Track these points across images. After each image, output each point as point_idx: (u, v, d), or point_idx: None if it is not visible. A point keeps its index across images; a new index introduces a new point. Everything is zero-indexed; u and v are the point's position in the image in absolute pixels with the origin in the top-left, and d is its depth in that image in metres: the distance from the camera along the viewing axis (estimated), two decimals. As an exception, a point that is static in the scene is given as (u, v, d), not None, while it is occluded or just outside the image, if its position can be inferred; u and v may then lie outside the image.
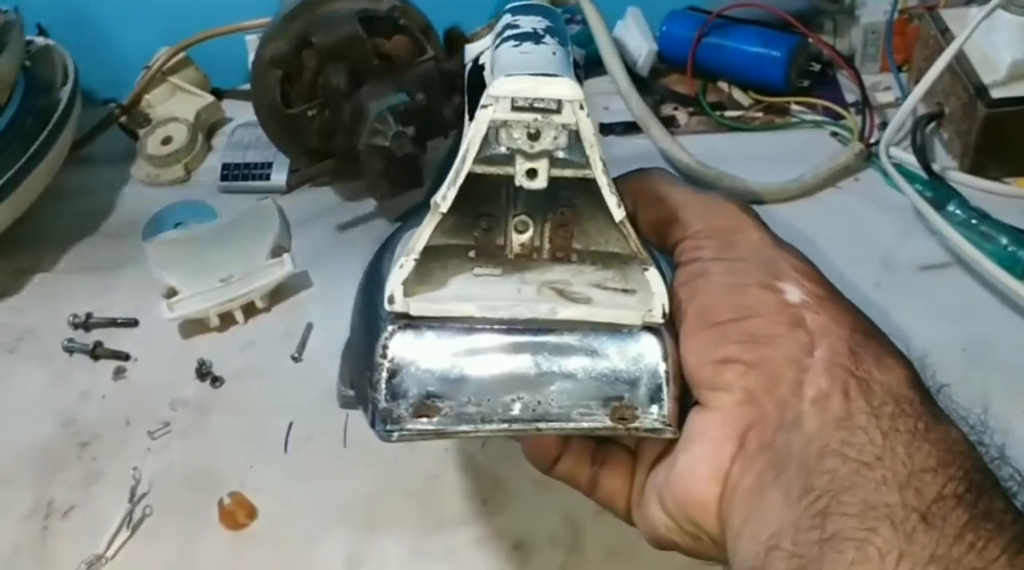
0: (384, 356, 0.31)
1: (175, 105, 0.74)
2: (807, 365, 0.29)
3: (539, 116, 0.29)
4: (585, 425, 0.31)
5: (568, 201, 0.32)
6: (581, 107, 0.29)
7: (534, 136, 0.29)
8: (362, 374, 0.32)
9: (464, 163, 0.30)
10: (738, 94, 0.70)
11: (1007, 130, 0.59)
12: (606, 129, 0.68)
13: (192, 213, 0.68)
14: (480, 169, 0.30)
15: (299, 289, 0.61)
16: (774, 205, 0.61)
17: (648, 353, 0.31)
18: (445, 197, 0.30)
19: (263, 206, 0.65)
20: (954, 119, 0.62)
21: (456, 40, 0.63)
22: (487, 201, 0.32)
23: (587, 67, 0.67)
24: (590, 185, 0.30)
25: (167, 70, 0.74)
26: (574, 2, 0.70)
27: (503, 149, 0.30)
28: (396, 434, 0.31)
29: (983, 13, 0.58)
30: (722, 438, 0.30)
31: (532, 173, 0.30)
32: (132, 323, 0.60)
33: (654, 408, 0.31)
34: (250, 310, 0.59)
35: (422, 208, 0.42)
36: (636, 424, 0.31)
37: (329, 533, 0.47)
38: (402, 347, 0.31)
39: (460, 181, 0.30)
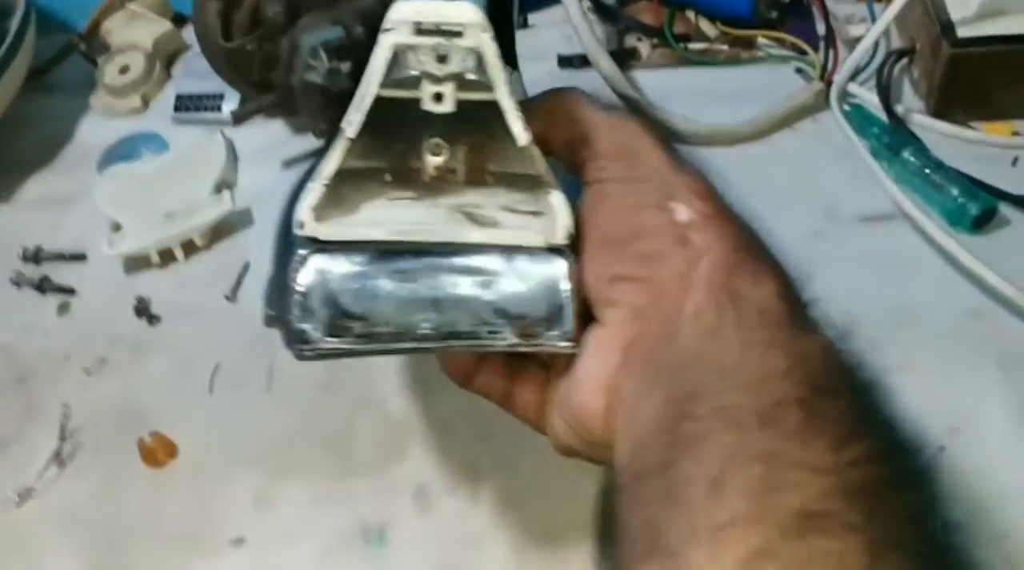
0: (295, 279, 0.32)
1: (133, 32, 0.73)
2: (690, 280, 0.31)
3: (443, 40, 0.29)
4: (493, 344, 0.33)
5: (482, 124, 0.32)
6: (483, 31, 0.29)
7: (443, 58, 0.30)
8: (278, 294, 0.34)
9: (368, 87, 0.30)
10: (705, 25, 0.66)
11: (974, 72, 0.55)
12: (564, 61, 0.66)
13: (145, 145, 0.68)
14: (388, 93, 0.31)
15: (241, 227, 0.61)
16: (723, 147, 0.59)
17: (551, 273, 0.33)
18: (351, 122, 0.31)
19: (211, 139, 0.65)
20: (923, 57, 0.59)
21: (400, -31, 0.61)
22: (401, 123, 0.32)
23: (547, -6, 0.64)
24: (500, 108, 0.31)
25: (125, -4, 0.73)
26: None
27: (412, 72, 0.30)
28: (309, 352, 0.32)
29: (956, -59, 0.53)
30: (610, 351, 0.32)
31: (439, 97, 0.31)
32: (80, 257, 0.61)
33: (557, 326, 0.33)
34: (190, 247, 0.59)
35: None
36: (540, 341, 0.33)
37: (242, 475, 0.48)
38: (312, 270, 0.32)
39: (366, 106, 0.31)
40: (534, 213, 0.34)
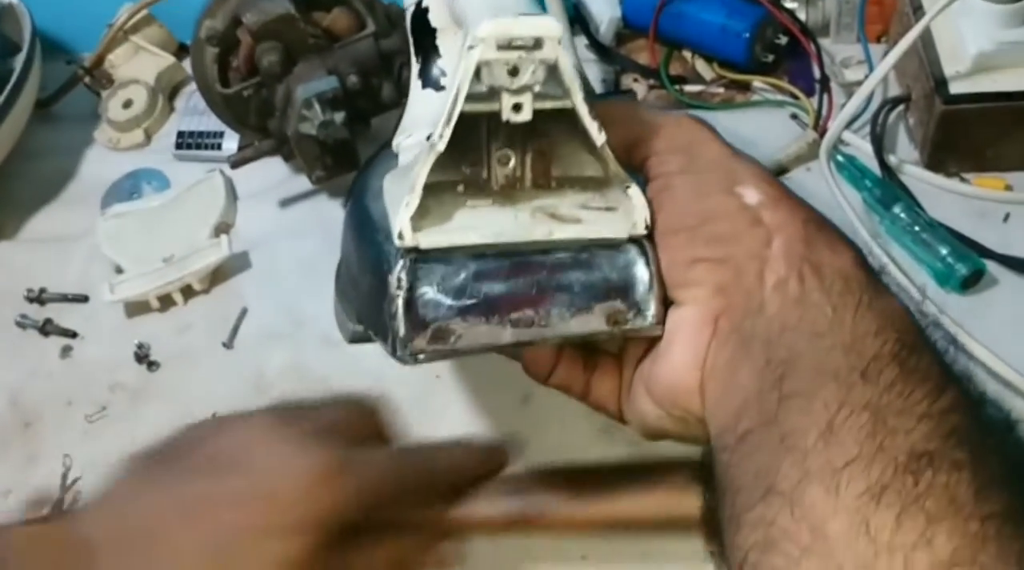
0: (400, 287, 0.34)
1: (137, 66, 0.74)
2: (767, 256, 0.32)
3: (522, 53, 0.31)
4: (585, 331, 0.35)
5: (544, 131, 0.34)
6: (560, 42, 0.31)
7: (513, 72, 0.31)
8: (373, 307, 0.35)
9: (456, 103, 0.32)
10: (702, 66, 0.66)
11: (966, 127, 0.55)
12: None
13: (147, 181, 0.69)
14: (467, 107, 0.32)
15: (239, 270, 0.62)
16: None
17: (635, 262, 0.35)
18: (442, 135, 0.33)
19: (210, 180, 0.66)
20: (918, 108, 0.58)
21: (395, 16, 0.61)
22: (469, 137, 0.34)
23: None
24: (566, 115, 0.33)
25: (129, 29, 0.74)
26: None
27: (484, 87, 0.32)
28: (419, 356, 0.34)
29: (953, -6, 0.53)
30: (699, 327, 0.33)
31: (518, 107, 0.32)
32: (82, 299, 0.62)
33: (644, 309, 0.35)
34: (188, 292, 0.61)
35: (380, 154, 0.44)
36: (629, 325, 0.35)
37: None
38: (415, 278, 0.34)
39: (454, 120, 0.32)
40: (608, 208, 0.36)
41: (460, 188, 0.35)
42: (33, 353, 0.60)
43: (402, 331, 0.33)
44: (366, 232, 0.37)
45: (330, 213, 0.64)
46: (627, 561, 0.46)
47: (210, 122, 0.69)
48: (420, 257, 0.34)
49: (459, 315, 0.34)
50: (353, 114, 0.59)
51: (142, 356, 0.58)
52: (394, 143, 0.44)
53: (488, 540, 0.46)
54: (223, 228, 0.63)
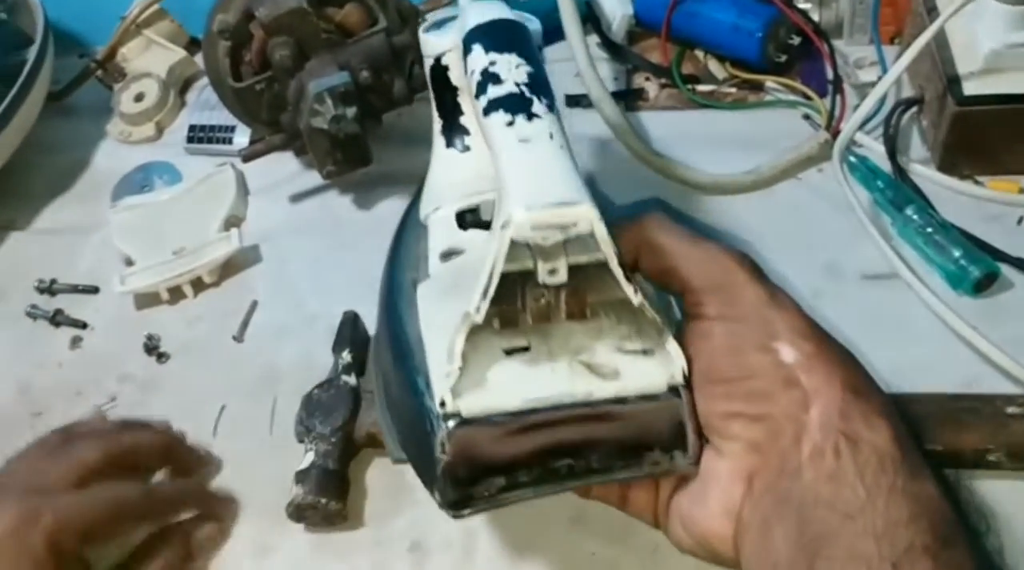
0: (444, 452, 0.34)
1: (149, 60, 0.74)
2: (803, 422, 0.33)
3: (556, 232, 0.32)
4: (624, 475, 0.36)
5: (579, 270, 0.34)
6: (597, 221, 0.32)
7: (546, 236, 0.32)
8: (417, 453, 0.37)
9: (492, 280, 0.33)
10: (714, 65, 0.66)
11: (979, 129, 0.55)
12: (571, 100, 0.66)
13: (158, 175, 0.69)
14: (505, 269, 0.33)
15: (249, 264, 0.62)
16: (725, 197, 0.59)
17: (673, 412, 0.35)
18: (479, 309, 0.33)
19: (221, 173, 0.66)
20: (931, 109, 0.58)
21: (407, 12, 0.61)
22: (505, 281, 0.34)
23: (554, 31, 0.64)
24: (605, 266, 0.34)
25: (141, 23, 0.74)
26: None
27: (519, 243, 0.32)
28: (465, 511, 0.35)
29: (967, -4, 0.53)
30: (733, 480, 0.35)
31: (553, 271, 0.33)
32: (93, 290, 0.62)
33: (680, 453, 0.36)
34: (199, 285, 0.61)
35: (408, 222, 0.45)
36: (667, 468, 0.36)
37: (243, 521, 0.49)
38: (458, 442, 0.34)
39: (490, 295, 0.33)
40: (644, 351, 0.36)
41: (495, 323, 0.36)
42: (43, 344, 0.60)
43: (448, 492, 0.34)
44: (404, 362, 0.38)
45: (341, 208, 0.64)
46: (637, 554, 0.45)
47: (221, 116, 0.69)
48: (463, 419, 0.34)
49: (502, 471, 0.34)
50: (364, 109, 0.59)
51: (151, 348, 0.58)
52: (422, 214, 0.45)
53: (499, 529, 0.46)
54: (234, 221, 0.64)
